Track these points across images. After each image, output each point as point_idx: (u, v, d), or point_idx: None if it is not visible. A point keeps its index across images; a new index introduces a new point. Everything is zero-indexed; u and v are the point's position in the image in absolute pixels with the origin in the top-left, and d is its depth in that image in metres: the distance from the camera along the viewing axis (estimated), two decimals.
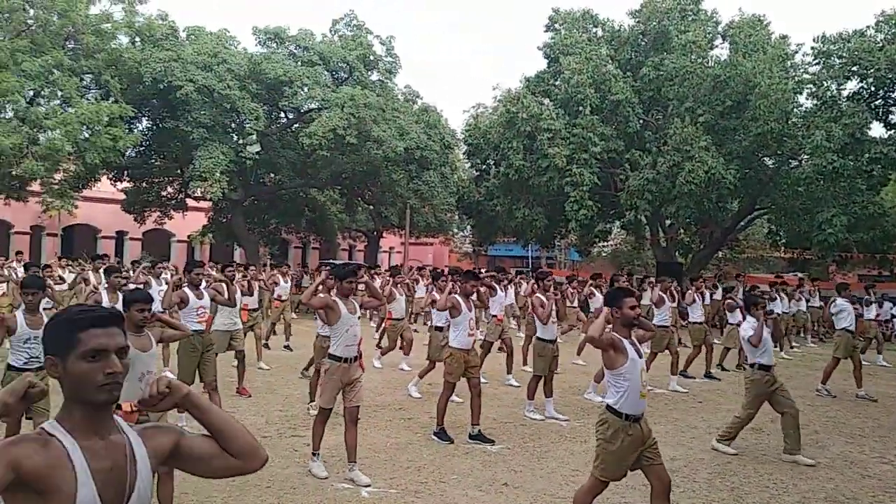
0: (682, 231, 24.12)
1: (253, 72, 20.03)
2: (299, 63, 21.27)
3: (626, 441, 4.11)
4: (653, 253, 25.79)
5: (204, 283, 7.39)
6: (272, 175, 25.06)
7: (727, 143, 19.12)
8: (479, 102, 34.40)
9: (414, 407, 8.30)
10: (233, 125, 21.05)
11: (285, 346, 12.70)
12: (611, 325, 4.32)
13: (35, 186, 21.25)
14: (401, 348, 10.78)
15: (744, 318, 7.41)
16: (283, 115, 23.55)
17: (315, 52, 21.31)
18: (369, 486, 5.41)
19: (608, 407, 4.25)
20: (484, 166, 25.68)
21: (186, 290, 6.94)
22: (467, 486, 5.48)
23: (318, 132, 18.96)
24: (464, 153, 26.94)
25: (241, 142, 21.83)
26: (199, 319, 6.87)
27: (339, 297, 5.70)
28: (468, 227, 31.81)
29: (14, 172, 19.13)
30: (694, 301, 11.40)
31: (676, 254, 24.48)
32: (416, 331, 13.16)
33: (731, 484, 5.82)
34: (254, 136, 22.03)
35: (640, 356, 4.32)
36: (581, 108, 20.05)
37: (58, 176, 19.67)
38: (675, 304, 13.14)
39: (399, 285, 11.63)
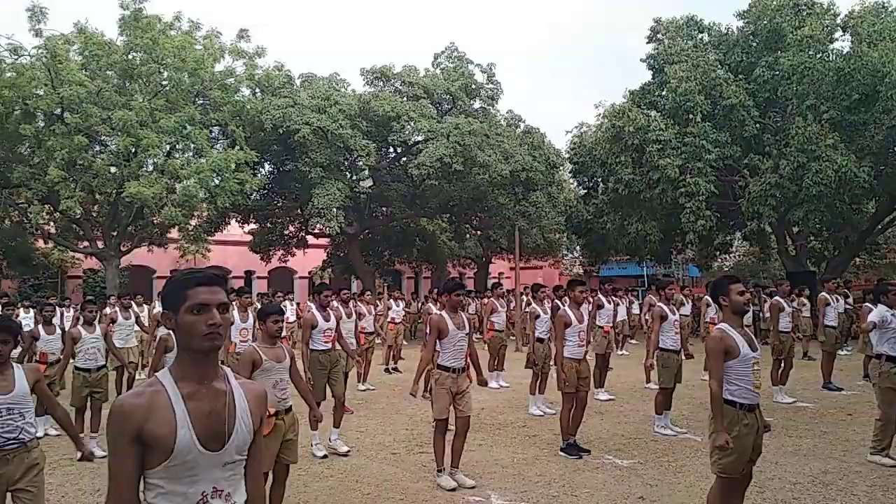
0: (812, 237, 22.50)
1: (363, 110, 20.96)
2: (405, 98, 22.04)
3: (744, 431, 3.98)
4: (781, 263, 24.19)
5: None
6: (384, 208, 25.91)
7: (857, 139, 17.73)
8: (583, 122, 34.05)
9: (536, 425, 8.21)
10: (346, 163, 22.03)
11: (392, 369, 13.12)
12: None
13: (173, 233, 23.18)
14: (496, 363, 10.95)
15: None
16: (391, 149, 24.39)
17: (419, 87, 22.01)
18: (474, 487, 5.56)
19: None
20: (591, 184, 25.25)
21: (315, 312, 7.28)
22: (600, 499, 5.34)
23: (425, 162, 19.49)
24: (570, 172, 26.64)
25: (354, 178, 22.80)
26: (326, 339, 7.20)
27: (446, 312, 5.84)
28: (578, 247, 31.28)
29: (155, 221, 21.03)
30: (828, 304, 10.59)
31: (808, 262, 22.81)
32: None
33: (894, 497, 5.30)
34: (366, 172, 22.98)
35: (753, 349, 4.12)
36: (691, 115, 19.30)
37: (193, 222, 21.36)
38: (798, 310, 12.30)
39: (500, 298, 11.63)
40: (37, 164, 17.58)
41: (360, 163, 22.06)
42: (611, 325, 10.60)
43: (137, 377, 11.94)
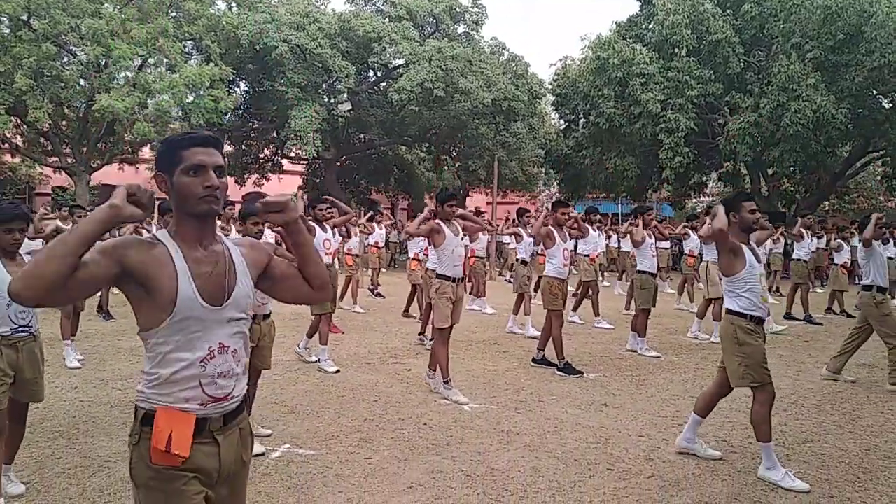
0: (785, 179, 22.81)
1: (343, 30, 20.34)
2: (387, 19, 21.40)
3: (757, 340, 4.10)
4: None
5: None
6: (362, 135, 25.52)
7: (838, 80, 17.77)
8: (567, 55, 33.44)
9: (508, 342, 8.45)
10: (324, 84, 21.51)
11: (373, 291, 13.29)
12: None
13: (145, 153, 22.65)
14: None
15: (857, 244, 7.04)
16: (371, 72, 23.83)
17: (402, 7, 21.34)
18: (467, 403, 5.63)
19: (729, 312, 4.21)
20: (573, 117, 25.06)
21: (312, 223, 7.13)
22: (566, 405, 5.58)
23: (406, 86, 19.12)
24: (552, 104, 26.36)
25: (332, 101, 22.33)
26: (326, 252, 7.21)
27: (441, 221, 5.90)
28: (555, 182, 31.30)
29: (126, 137, 20.48)
30: (802, 237, 10.87)
31: (779, 204, 23.19)
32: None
33: (842, 409, 5.63)
34: (344, 95, 22.48)
35: (759, 262, 4.26)
36: (676, 50, 19.13)
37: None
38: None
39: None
40: (2, 72, 16.86)
41: (339, 85, 21.57)
42: (597, 252, 10.74)
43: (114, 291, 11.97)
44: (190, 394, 1.83)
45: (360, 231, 12.50)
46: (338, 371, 6.67)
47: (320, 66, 19.84)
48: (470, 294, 11.45)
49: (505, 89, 20.75)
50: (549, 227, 7.07)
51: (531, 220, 9.62)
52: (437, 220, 5.90)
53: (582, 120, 24.30)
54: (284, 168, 26.96)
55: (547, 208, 7.62)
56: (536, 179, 30.98)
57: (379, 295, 13.32)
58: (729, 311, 4.20)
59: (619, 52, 19.21)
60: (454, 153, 26.52)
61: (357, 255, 11.69)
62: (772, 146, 18.48)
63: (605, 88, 19.97)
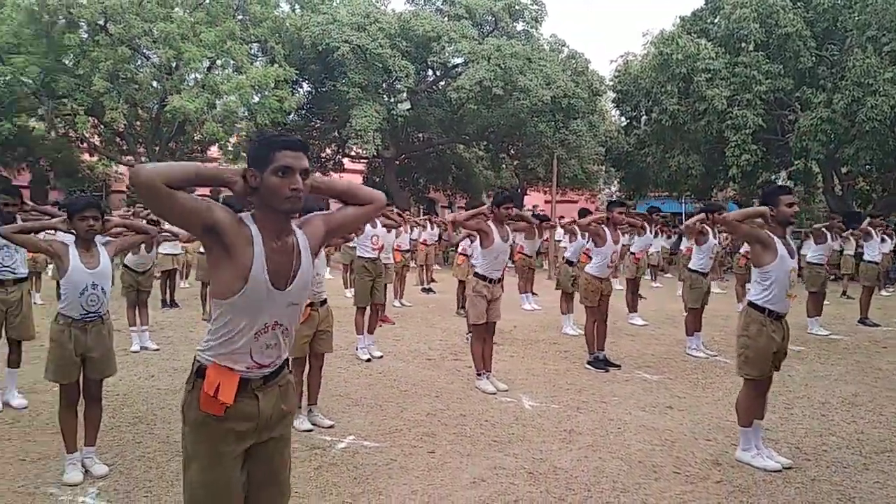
0: (860, 178, 21.77)
1: (402, 30, 20.54)
2: (446, 18, 21.50)
3: (769, 337, 4.14)
4: (826, 203, 23.55)
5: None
6: (420, 134, 25.72)
7: None
8: (628, 51, 32.86)
9: (568, 342, 8.37)
10: (384, 84, 21.78)
11: (427, 290, 13.42)
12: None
13: (213, 152, 23.44)
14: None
15: None
16: (430, 71, 23.98)
17: (461, 6, 21.40)
18: (507, 390, 5.80)
19: (750, 304, 4.26)
20: (634, 114, 24.56)
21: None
22: (630, 407, 5.50)
23: (465, 85, 19.17)
24: (612, 101, 25.91)
25: (392, 100, 22.57)
26: (373, 246, 7.37)
27: (494, 223, 5.92)
28: (616, 180, 30.75)
29: (196, 137, 21.27)
30: (869, 235, 10.35)
31: (854, 204, 22.16)
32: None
33: None
34: (404, 94, 22.70)
35: (792, 257, 4.22)
36: (744, 44, 18.52)
37: (233, 139, 21.54)
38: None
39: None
40: (81, 74, 17.75)
41: (399, 85, 21.77)
42: (642, 251, 10.58)
43: (181, 285, 12.51)
44: (240, 358, 2.09)
45: (414, 225, 12.68)
46: (369, 360, 6.91)
47: (380, 65, 20.08)
48: (521, 293, 11.42)
49: (564, 86, 20.53)
50: (603, 227, 7.00)
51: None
52: (490, 222, 5.93)
53: (644, 117, 23.80)
54: (345, 167, 27.43)
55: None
56: (596, 178, 30.56)
57: (429, 291, 13.43)
58: (749, 303, 4.26)
59: (682, 47, 18.73)
60: (512, 151, 26.44)
61: (406, 251, 11.84)
62: (846, 143, 17.67)
63: (668, 85, 19.50)
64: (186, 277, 13.27)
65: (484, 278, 5.94)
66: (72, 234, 3.96)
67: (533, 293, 11.65)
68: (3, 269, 5.14)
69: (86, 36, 18.22)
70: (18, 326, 5.18)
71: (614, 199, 8.70)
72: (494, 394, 5.75)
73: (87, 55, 17.61)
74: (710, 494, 3.78)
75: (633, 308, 9.99)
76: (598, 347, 6.98)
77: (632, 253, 10.52)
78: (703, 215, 7.03)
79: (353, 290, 8.29)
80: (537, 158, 23.80)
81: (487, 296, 5.90)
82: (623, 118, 26.33)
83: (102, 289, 3.87)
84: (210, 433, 2.08)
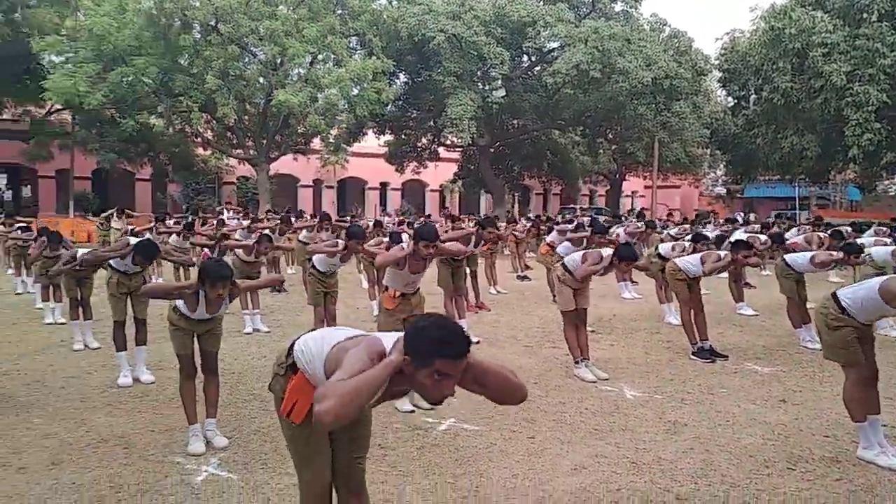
0: None
1: (497, 16, 20.45)
2: (542, 2, 21.22)
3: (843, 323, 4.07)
4: None
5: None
6: (515, 121, 25.58)
7: None
8: (735, 27, 31.03)
9: (671, 332, 8.10)
10: (479, 72, 21.80)
11: (522, 277, 13.35)
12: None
13: (315, 144, 24.35)
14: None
15: None
16: (525, 57, 23.76)
17: None
18: (607, 379, 5.70)
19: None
20: (742, 93, 23.33)
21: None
22: (739, 399, 5.27)
23: (561, 69, 18.87)
24: (718, 81, 24.67)
25: (486, 88, 22.57)
26: None
27: None
28: (722, 164, 29.32)
29: (299, 129, 22.16)
30: None
31: None
32: None
33: None
34: (499, 82, 22.64)
35: None
36: (865, 15, 17.15)
37: (334, 131, 22.28)
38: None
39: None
40: (195, 73, 18.89)
41: (494, 72, 21.73)
42: None
43: (288, 271, 13.15)
44: None
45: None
46: (476, 342, 6.95)
47: (475, 53, 20.10)
48: (619, 282, 11.14)
49: (666, 67, 19.77)
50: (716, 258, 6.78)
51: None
52: None
53: (753, 96, 22.57)
54: (440, 156, 27.71)
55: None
56: (701, 161, 29.30)
57: (525, 278, 13.35)
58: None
59: (796, 20, 17.58)
60: (610, 136, 25.79)
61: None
62: None
63: (780, 61, 18.38)
64: (292, 263, 13.89)
65: (569, 270, 6.02)
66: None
67: (633, 281, 11.36)
68: (128, 266, 5.65)
69: (199, 36, 19.35)
70: (143, 306, 5.63)
71: (726, 184, 8.33)
72: (594, 382, 5.68)
73: (200, 54, 18.71)
74: (829, 493, 3.57)
75: (739, 298, 9.53)
76: (701, 337, 6.73)
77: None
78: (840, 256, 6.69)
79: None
80: (637, 142, 23.10)
81: (574, 284, 5.95)
82: (730, 98, 25.07)
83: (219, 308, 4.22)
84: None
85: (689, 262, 6.92)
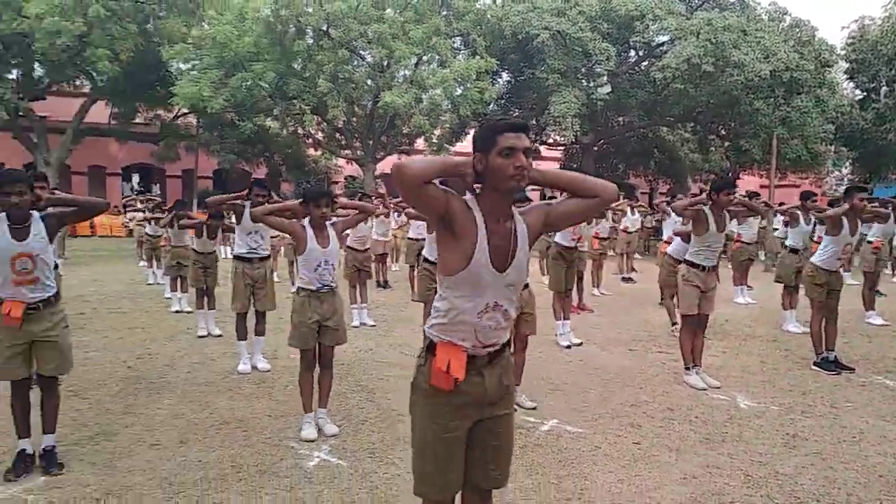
0: None
1: (604, 11, 20.00)
2: None
3: None
4: None
5: None
6: (620, 118, 24.92)
7: None
8: (864, 14, 28.60)
9: (790, 340, 7.64)
10: (583, 69, 21.40)
11: (627, 279, 13.00)
12: None
13: (419, 144, 24.82)
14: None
15: None
16: (632, 52, 23.08)
17: None
18: (719, 387, 5.49)
19: None
20: (872, 85, 21.58)
21: None
22: (866, 414, 4.90)
23: (671, 64, 18.19)
24: (845, 73, 22.91)
25: (591, 84, 22.12)
26: (573, 237, 7.36)
27: (711, 210, 5.59)
28: (848, 161, 27.22)
29: (404, 130, 22.66)
30: None
31: None
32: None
33: None
34: (604, 78, 22.12)
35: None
36: None
37: (437, 131, 22.62)
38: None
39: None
40: (308, 77, 19.75)
41: (599, 68, 21.27)
42: (880, 240, 9.25)
43: (392, 268, 13.50)
44: (465, 336, 2.21)
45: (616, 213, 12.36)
46: (569, 346, 6.94)
47: (580, 50, 19.76)
48: (736, 285, 10.59)
49: (786, 58, 18.59)
50: (842, 214, 6.26)
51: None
52: (706, 209, 5.59)
53: (884, 88, 20.86)
54: (542, 154, 27.44)
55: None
56: (824, 159, 27.33)
57: (629, 280, 12.99)
58: None
59: None
60: (723, 132, 24.59)
61: (605, 239, 11.54)
62: None
63: None
64: (396, 261, 14.24)
65: (694, 265, 5.65)
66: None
67: (748, 286, 10.78)
68: (251, 250, 5.93)
69: (311, 41, 20.21)
70: (264, 299, 5.95)
71: (851, 183, 7.70)
72: (704, 390, 5.45)
73: (313, 59, 19.53)
74: None
75: (870, 305, 8.83)
76: (827, 347, 6.30)
77: (869, 242, 9.26)
78: None
79: (548, 276, 8.35)
80: (752, 139, 21.85)
81: (700, 285, 5.59)
82: (858, 91, 23.23)
83: (332, 265, 4.37)
84: (436, 405, 2.25)
85: (821, 252, 6.41)
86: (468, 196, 2.21)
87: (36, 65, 23.27)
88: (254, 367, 5.92)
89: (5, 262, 3.50)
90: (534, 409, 4.84)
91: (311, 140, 24.62)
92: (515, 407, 4.79)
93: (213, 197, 6.68)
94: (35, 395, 3.78)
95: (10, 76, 23.13)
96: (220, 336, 7.25)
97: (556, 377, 5.79)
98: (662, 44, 20.95)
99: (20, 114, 22.76)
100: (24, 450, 3.67)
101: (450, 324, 2.21)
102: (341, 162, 27.54)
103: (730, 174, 30.99)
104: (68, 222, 3.89)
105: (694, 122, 23.91)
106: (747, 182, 38.19)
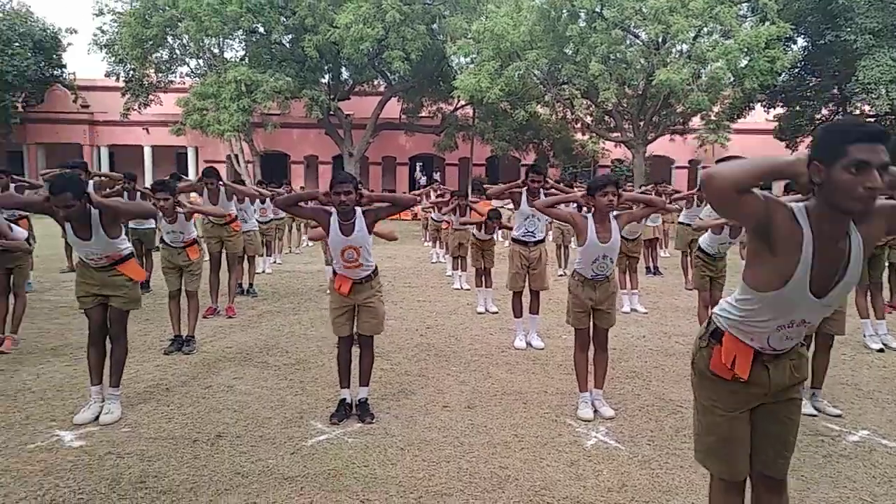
0: None
1: None
2: None
3: None
4: None
5: None
6: None
7: None
8: None
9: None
10: None
11: None
12: None
13: (694, 122, 23.27)
14: None
15: None
16: None
17: None
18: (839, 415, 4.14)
19: None
20: None
21: None
22: None
23: None
24: None
25: None
26: None
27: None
28: None
29: (679, 109, 21.43)
30: None
31: None
32: None
33: None
34: None
35: None
36: None
37: (715, 108, 20.98)
38: None
39: None
40: (579, 61, 19.71)
41: None
42: None
43: (662, 255, 12.96)
44: (757, 339, 2.10)
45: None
46: (881, 350, 6.00)
47: None
48: None
49: None
50: None
51: None
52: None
53: None
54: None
55: None
56: None
57: None
58: None
59: None
60: None
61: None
62: None
63: None
64: (666, 247, 13.64)
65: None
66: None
67: None
68: (527, 233, 6.19)
69: (584, 24, 20.10)
70: (538, 278, 6.17)
71: None
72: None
73: (585, 42, 19.43)
74: None
75: None
76: None
77: None
78: None
79: None
80: None
81: None
82: None
83: (611, 259, 4.37)
84: (717, 389, 2.18)
85: None
86: (798, 206, 1.90)
87: (343, 69, 26.98)
88: (528, 344, 6.18)
89: (336, 251, 4.16)
90: (838, 416, 4.30)
91: (579, 124, 24.60)
92: (815, 412, 4.34)
93: (493, 188, 7.04)
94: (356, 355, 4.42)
95: (323, 80, 27.14)
96: (496, 313, 7.69)
97: (866, 384, 5.06)
98: None
99: (331, 112, 26.52)
100: (344, 399, 4.33)
101: (744, 324, 2.10)
102: (608, 145, 27.04)
103: None
104: (383, 217, 4.34)
105: None
106: None
